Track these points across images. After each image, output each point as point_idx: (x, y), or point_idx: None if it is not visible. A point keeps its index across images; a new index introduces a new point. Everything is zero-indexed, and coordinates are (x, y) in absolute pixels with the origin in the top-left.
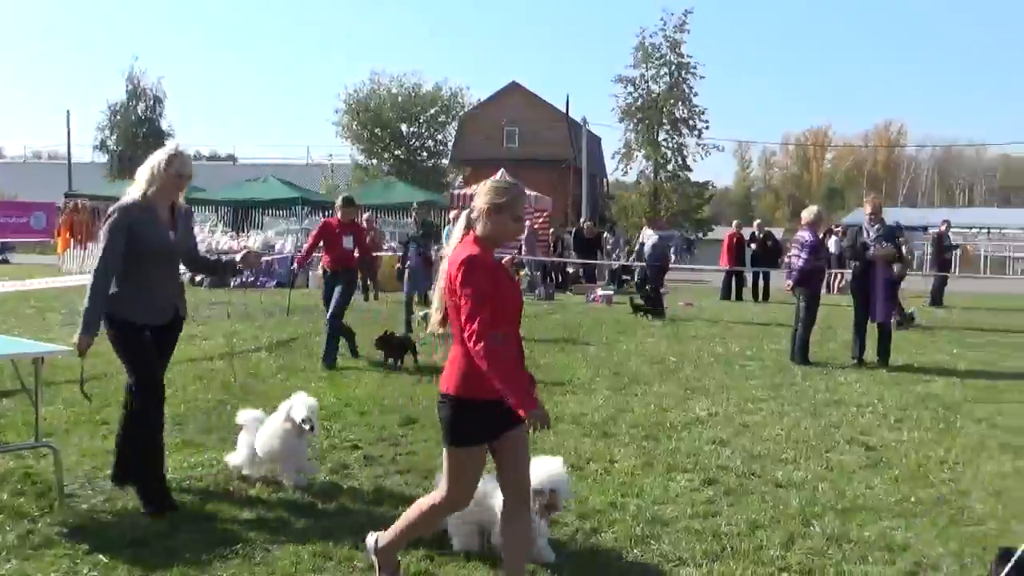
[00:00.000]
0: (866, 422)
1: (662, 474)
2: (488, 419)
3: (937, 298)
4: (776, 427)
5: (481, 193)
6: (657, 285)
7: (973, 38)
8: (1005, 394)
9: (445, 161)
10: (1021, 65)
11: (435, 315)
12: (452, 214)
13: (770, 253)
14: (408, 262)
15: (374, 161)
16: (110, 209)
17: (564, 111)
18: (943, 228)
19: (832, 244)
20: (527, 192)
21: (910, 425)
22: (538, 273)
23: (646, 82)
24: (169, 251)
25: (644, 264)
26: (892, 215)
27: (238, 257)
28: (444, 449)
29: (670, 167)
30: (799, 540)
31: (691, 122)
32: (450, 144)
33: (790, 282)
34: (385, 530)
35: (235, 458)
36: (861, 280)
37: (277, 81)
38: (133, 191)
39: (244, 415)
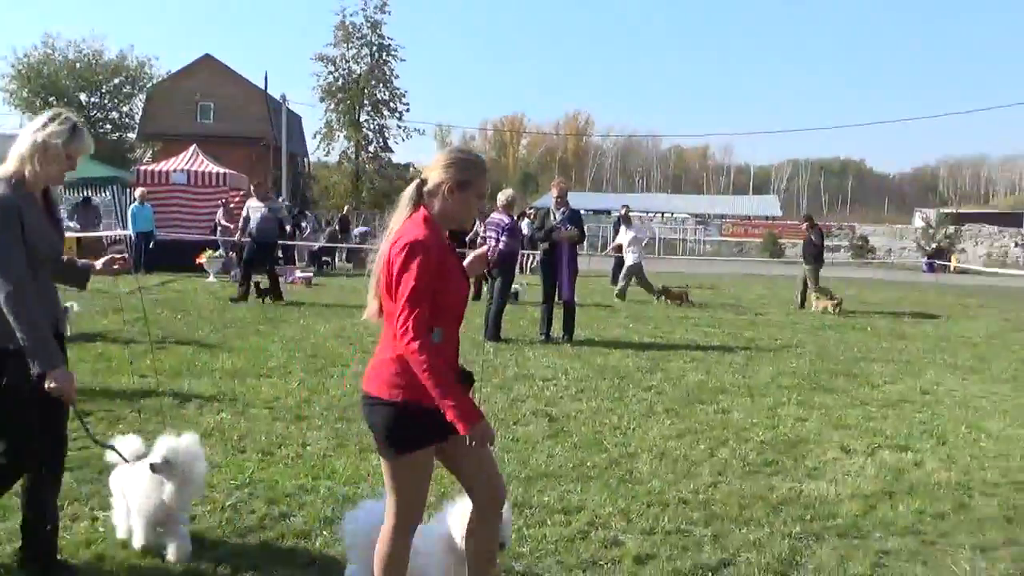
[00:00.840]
0: (551, 394)
1: (354, 454)
2: (436, 420)
3: (617, 277)
4: None
5: (441, 165)
6: (271, 264)
7: (651, 35)
8: (671, 364)
9: (132, 135)
10: (693, 63)
11: (371, 303)
12: (138, 192)
13: (465, 233)
14: None
15: None
16: None
17: (262, 88)
18: (623, 212)
19: (524, 226)
20: (226, 171)
21: (590, 395)
22: (233, 255)
23: (347, 62)
24: (57, 251)
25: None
26: (580, 200)
27: (99, 264)
28: (384, 461)
29: (372, 148)
30: None
31: (392, 104)
32: (138, 117)
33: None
34: None
35: (118, 517)
36: (548, 261)
37: None
38: (5, 171)
39: (125, 443)
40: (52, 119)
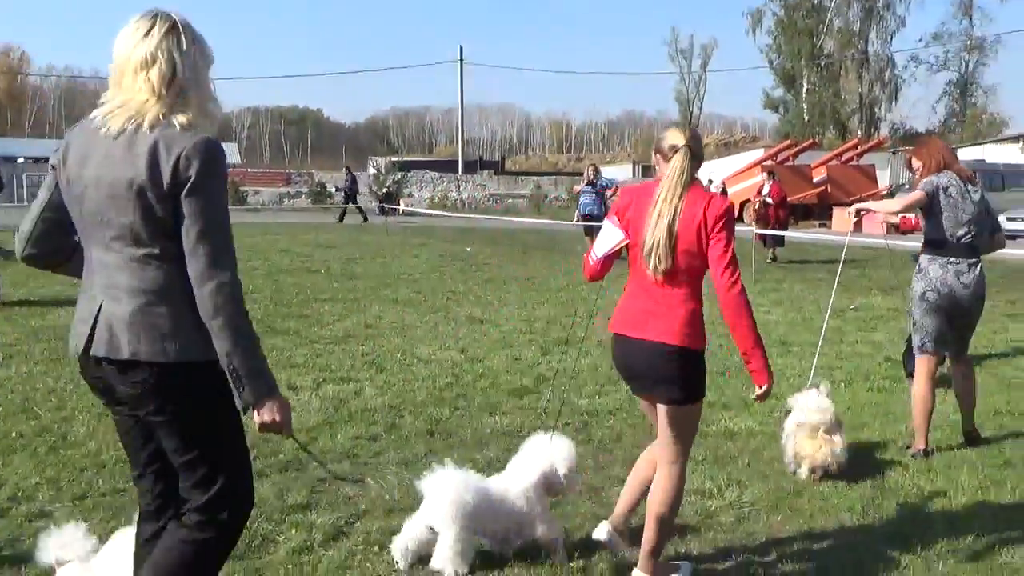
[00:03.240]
0: None
1: None
2: None
3: None
4: None
5: (690, 137)
6: None
7: None
8: None
9: None
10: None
11: (662, 263)
12: None
13: None
14: None
15: None
16: (203, 143)
17: None
18: None
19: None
20: None
21: (21, 360)
22: None
23: None
24: None
25: None
26: (21, 147)
27: None
28: (676, 408)
29: None
30: None
31: None
32: None
33: None
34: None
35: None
36: None
37: None
38: (179, 118)
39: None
40: (184, 26)
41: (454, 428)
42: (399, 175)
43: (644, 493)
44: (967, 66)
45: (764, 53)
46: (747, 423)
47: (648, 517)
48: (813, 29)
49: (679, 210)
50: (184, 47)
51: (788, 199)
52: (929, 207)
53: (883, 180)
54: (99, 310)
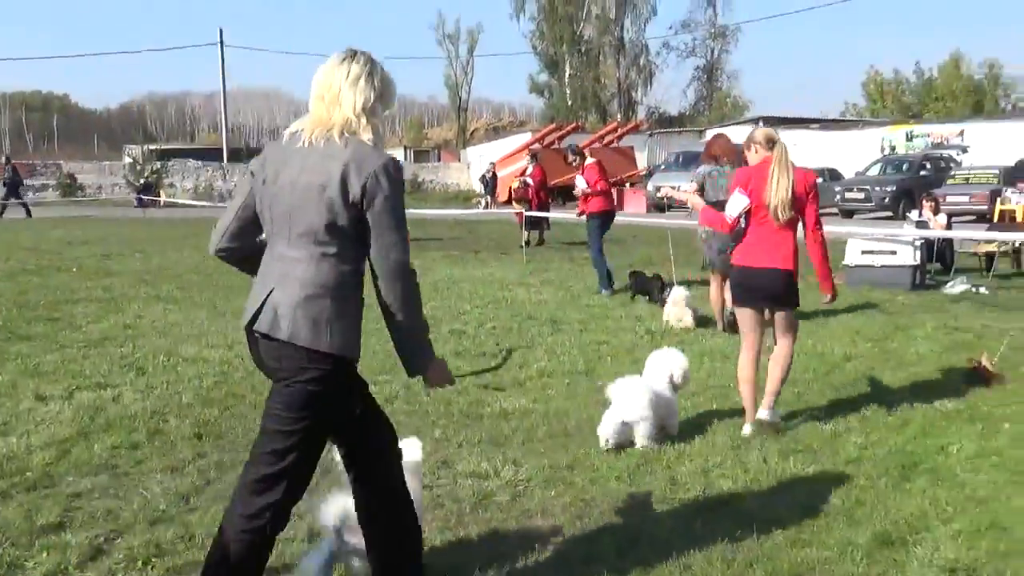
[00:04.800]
0: None
1: None
2: None
3: None
4: None
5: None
6: None
7: None
8: None
9: None
10: None
11: (785, 214)
12: None
13: None
14: None
15: None
16: (390, 163)
17: None
18: None
19: None
20: None
21: None
22: None
23: None
24: None
25: None
26: None
27: None
28: (789, 311)
29: None
30: None
31: None
32: None
33: None
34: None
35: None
36: None
37: None
38: (366, 133)
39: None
40: (377, 65)
41: (224, 429)
42: (158, 164)
43: (757, 384)
44: (713, 53)
45: (528, 39)
46: (521, 402)
47: (770, 377)
48: (573, 15)
49: (793, 179)
50: (376, 81)
51: (549, 182)
52: (702, 187)
53: (641, 162)
54: (269, 294)
